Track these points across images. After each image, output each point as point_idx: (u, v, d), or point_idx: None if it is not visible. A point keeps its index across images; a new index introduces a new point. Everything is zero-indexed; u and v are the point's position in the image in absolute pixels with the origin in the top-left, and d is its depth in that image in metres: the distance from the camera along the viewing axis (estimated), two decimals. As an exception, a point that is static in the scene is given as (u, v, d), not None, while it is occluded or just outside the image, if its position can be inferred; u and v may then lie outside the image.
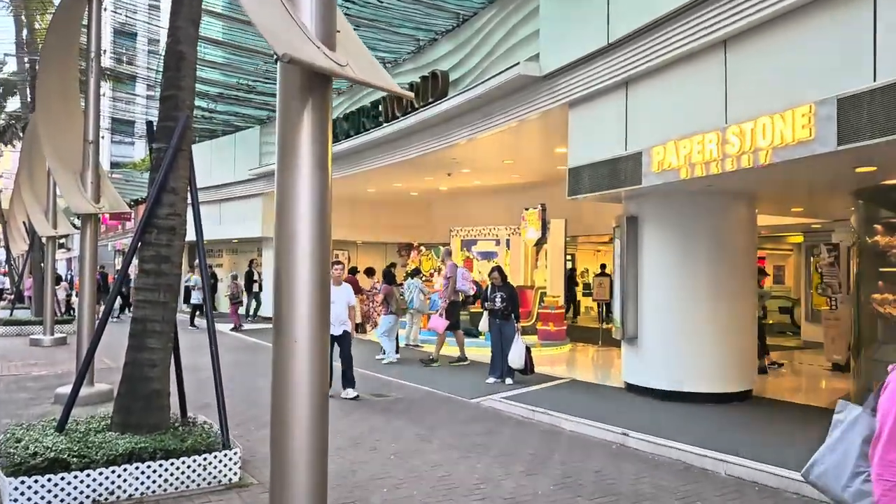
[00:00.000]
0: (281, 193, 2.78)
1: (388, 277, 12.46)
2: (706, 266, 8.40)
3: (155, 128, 6.02)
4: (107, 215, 30.94)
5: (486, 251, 17.36)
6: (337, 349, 8.73)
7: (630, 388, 8.98)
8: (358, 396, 8.86)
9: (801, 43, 6.00)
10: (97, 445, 5.16)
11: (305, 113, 2.71)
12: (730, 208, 8.54)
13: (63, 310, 19.56)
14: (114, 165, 41.44)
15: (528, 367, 9.66)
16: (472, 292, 12.87)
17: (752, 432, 6.94)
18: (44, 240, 18.08)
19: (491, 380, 9.92)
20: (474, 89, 10.50)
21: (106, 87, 42.84)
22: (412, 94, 3.09)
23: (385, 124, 13.40)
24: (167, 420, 5.95)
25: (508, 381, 9.80)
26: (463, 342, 11.85)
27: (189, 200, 6.08)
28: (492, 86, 10.00)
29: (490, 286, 10.23)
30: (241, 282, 19.79)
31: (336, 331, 8.39)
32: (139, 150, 42.50)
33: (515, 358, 9.58)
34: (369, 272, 15.96)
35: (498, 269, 10.34)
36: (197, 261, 21.43)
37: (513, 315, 9.94)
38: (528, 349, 9.68)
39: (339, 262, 9.56)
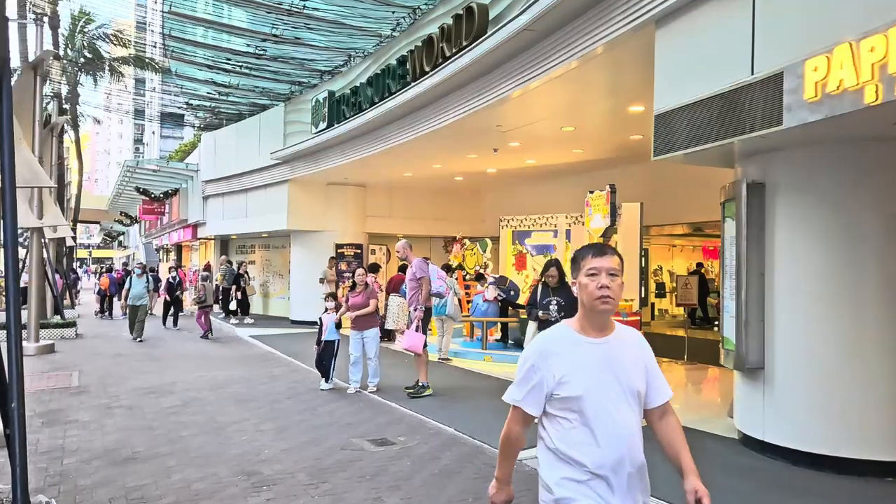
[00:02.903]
0: None
1: None
2: (879, 261, 5.33)
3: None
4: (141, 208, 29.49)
5: (542, 244, 14.46)
6: None
7: (748, 441, 5.98)
8: None
9: None
10: None
11: None
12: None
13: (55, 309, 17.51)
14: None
15: None
16: (447, 295, 9.99)
17: None
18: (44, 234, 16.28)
19: (541, 419, 7.06)
20: (519, 18, 7.65)
21: (155, 80, 42.01)
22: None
23: (413, 84, 10.69)
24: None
25: (566, 421, 6.92)
26: (427, 365, 8.76)
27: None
28: (545, 7, 7.13)
29: (541, 287, 7.33)
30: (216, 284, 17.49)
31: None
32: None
33: None
34: (374, 268, 13.15)
35: (556, 264, 7.39)
36: (223, 255, 19.17)
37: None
38: None
39: (613, 250, 2.48)
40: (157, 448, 6.30)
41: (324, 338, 8.93)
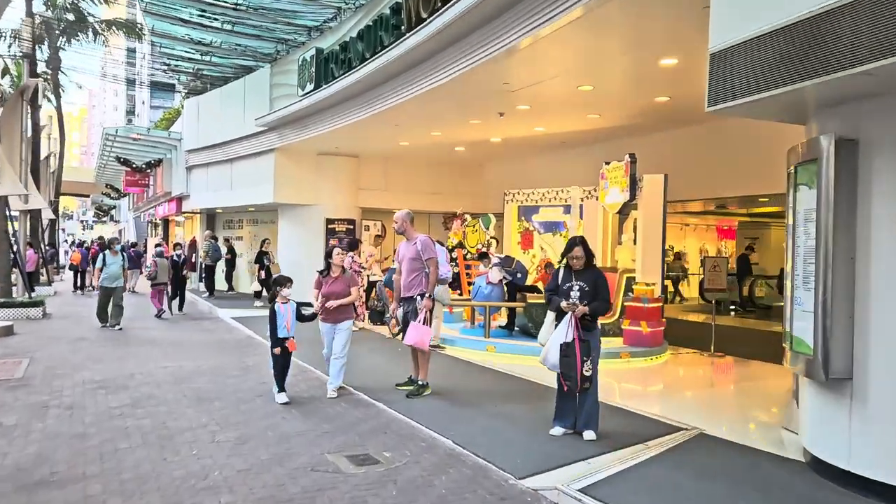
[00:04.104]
0: None
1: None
2: None
3: None
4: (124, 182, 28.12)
5: (551, 221, 13.18)
6: None
7: (823, 468, 4.73)
8: None
9: None
10: None
11: None
12: None
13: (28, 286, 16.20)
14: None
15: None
16: (450, 279, 8.63)
17: None
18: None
19: (558, 430, 5.84)
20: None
21: (143, 49, 40.35)
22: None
23: (408, 34, 9.32)
24: None
25: (589, 434, 5.69)
26: (429, 361, 7.45)
27: None
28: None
29: (563, 270, 6.01)
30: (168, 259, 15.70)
31: None
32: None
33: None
34: (352, 246, 11.79)
35: (581, 242, 5.96)
36: (208, 230, 17.77)
37: (598, 321, 5.84)
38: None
39: None
40: (82, 466, 5.06)
41: (289, 333, 7.06)
